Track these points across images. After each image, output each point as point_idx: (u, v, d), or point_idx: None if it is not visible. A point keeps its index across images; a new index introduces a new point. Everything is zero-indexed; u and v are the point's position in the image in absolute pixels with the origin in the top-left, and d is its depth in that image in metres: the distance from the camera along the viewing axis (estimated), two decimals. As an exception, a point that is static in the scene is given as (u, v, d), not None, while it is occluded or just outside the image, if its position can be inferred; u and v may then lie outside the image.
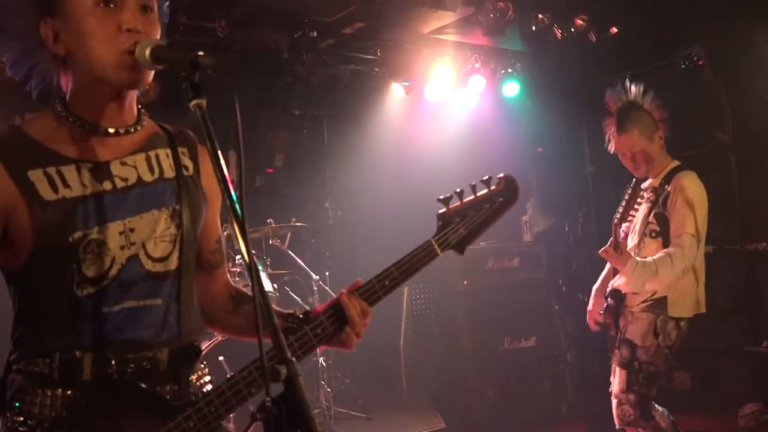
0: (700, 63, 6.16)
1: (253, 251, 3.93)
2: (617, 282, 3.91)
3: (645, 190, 4.03)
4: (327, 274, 6.22)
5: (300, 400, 1.24)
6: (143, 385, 1.65)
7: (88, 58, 1.62)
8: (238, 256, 5.21)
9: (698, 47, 6.16)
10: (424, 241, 1.94)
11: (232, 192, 1.37)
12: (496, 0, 5.29)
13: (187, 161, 1.82)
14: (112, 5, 1.62)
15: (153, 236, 1.70)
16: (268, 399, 1.24)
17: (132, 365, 1.65)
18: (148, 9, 1.66)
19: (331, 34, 5.87)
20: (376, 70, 6.76)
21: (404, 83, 6.82)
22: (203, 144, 1.84)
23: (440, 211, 1.99)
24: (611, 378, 4.05)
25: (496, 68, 6.88)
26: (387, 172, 6.98)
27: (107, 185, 1.67)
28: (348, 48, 6.34)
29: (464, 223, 1.98)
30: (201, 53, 1.43)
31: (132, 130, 1.73)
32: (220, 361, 4.68)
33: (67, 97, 1.70)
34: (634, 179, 4.05)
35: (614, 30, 5.91)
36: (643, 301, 3.88)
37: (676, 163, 4.01)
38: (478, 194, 2.01)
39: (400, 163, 7.01)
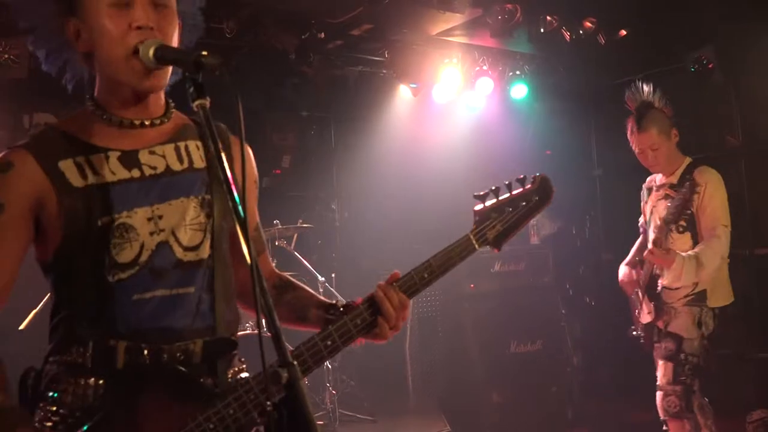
0: (710, 66, 6.13)
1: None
2: (666, 281, 3.96)
3: (661, 186, 4.15)
4: (333, 275, 6.21)
5: (301, 404, 1.22)
6: (182, 369, 1.66)
7: (102, 57, 1.68)
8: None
9: (708, 50, 6.12)
10: (461, 236, 1.97)
11: (234, 192, 1.36)
12: (504, 2, 5.27)
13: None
14: (125, 5, 1.64)
15: (183, 224, 1.72)
16: (268, 404, 1.22)
17: (165, 355, 1.65)
18: (160, 6, 1.68)
19: (339, 36, 5.87)
20: (384, 71, 6.75)
21: (412, 85, 6.81)
22: (235, 135, 1.87)
23: (477, 207, 2.02)
24: (657, 357, 4.13)
25: (504, 70, 6.87)
26: (394, 174, 6.96)
27: (135, 173, 1.70)
28: (355, 49, 6.33)
29: (501, 219, 2.01)
30: (205, 53, 1.43)
31: (158, 122, 1.77)
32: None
33: (96, 93, 1.75)
34: (646, 180, 4.20)
35: (623, 33, 5.88)
36: (685, 296, 3.98)
37: (689, 159, 4.13)
38: (514, 192, 2.05)
39: (407, 165, 6.99)
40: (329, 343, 1.74)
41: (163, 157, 1.75)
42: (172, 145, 1.77)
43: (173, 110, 1.82)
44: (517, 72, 6.90)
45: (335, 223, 7.32)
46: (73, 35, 1.70)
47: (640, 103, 4.13)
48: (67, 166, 1.65)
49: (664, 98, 4.14)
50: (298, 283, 2.03)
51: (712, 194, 3.91)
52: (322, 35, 5.58)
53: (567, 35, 5.67)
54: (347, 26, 5.67)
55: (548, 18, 5.57)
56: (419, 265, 1.91)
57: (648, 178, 4.44)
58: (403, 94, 7.11)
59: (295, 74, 6.43)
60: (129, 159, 1.71)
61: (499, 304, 6.11)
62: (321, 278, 5.82)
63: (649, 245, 3.93)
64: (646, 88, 4.15)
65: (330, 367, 5.73)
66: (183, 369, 1.65)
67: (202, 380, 1.68)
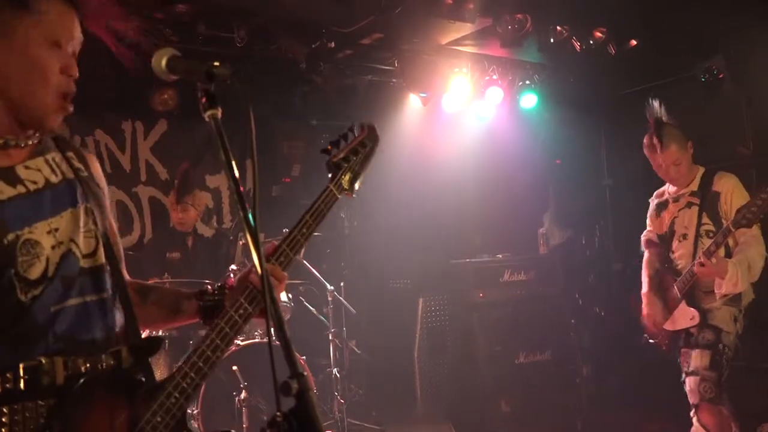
0: (721, 76, 6.12)
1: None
2: (724, 289, 4.00)
3: (680, 196, 4.26)
4: (342, 284, 6.20)
5: (311, 415, 1.22)
6: (118, 372, 1.70)
7: (17, 85, 1.65)
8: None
9: (719, 60, 6.11)
10: (324, 188, 2.18)
11: (246, 203, 1.37)
12: (514, 12, 5.28)
13: (77, 164, 1.86)
14: (57, 46, 1.67)
15: (78, 232, 1.73)
16: (278, 414, 1.22)
17: (101, 365, 1.68)
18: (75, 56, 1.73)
19: (349, 45, 5.88)
20: (394, 80, 6.76)
21: (421, 94, 6.81)
22: (83, 148, 1.94)
23: (327, 161, 2.23)
24: (685, 362, 4.18)
25: (514, 80, 6.86)
26: (403, 183, 6.96)
27: (21, 188, 1.68)
28: (365, 58, 6.34)
29: (350, 166, 2.24)
30: (216, 64, 1.44)
31: (30, 142, 1.75)
32: (233, 370, 4.66)
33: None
34: (654, 194, 4.34)
35: (633, 43, 5.87)
36: (724, 296, 4.05)
37: (702, 168, 4.25)
38: (351, 142, 2.28)
39: (417, 174, 6.99)
40: (219, 342, 1.79)
41: (39, 170, 1.74)
42: (41, 159, 1.77)
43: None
44: (527, 81, 6.89)
45: (344, 231, 7.32)
46: None
47: (656, 120, 4.24)
48: None
49: (672, 113, 4.26)
50: (157, 284, 2.09)
51: (739, 197, 4.04)
52: (333, 44, 5.59)
53: (577, 45, 5.66)
54: (357, 35, 5.68)
55: (558, 28, 5.56)
56: (296, 223, 2.07)
57: (656, 192, 4.49)
58: (412, 103, 7.11)
59: (305, 83, 6.45)
60: (9, 175, 1.68)
61: (508, 314, 6.10)
62: (330, 287, 5.82)
63: (699, 258, 3.97)
64: (656, 104, 4.26)
65: (338, 376, 5.72)
66: (119, 372, 1.70)
67: (138, 378, 1.73)
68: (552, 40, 5.59)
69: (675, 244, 4.25)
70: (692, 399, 4.07)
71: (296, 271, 5.92)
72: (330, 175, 2.22)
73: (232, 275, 5.24)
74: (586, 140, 7.44)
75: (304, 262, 5.85)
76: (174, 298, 2.01)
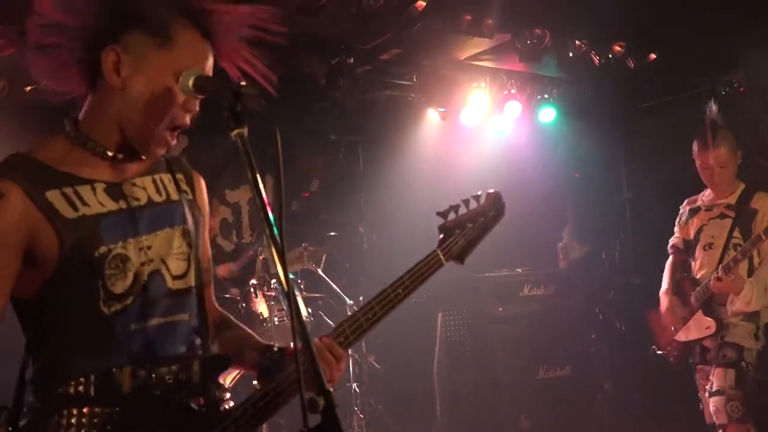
0: (741, 89, 6.09)
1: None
2: (736, 306, 4.02)
3: (714, 205, 4.25)
4: (361, 298, 6.21)
5: (337, 431, 1.23)
6: (177, 397, 1.70)
7: (136, 107, 1.67)
8: (273, 281, 5.24)
9: (739, 74, 6.09)
10: (430, 251, 2.09)
11: (271, 217, 1.39)
12: (533, 27, 5.29)
13: (185, 186, 1.89)
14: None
15: (171, 253, 1.76)
16: (304, 429, 1.24)
17: (169, 377, 1.69)
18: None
19: (368, 61, 5.92)
20: (412, 95, 6.79)
21: (440, 109, 6.84)
22: (197, 172, 1.96)
23: (440, 224, 2.17)
24: (702, 379, 4.19)
25: (532, 94, 6.87)
26: (422, 197, 6.96)
27: (122, 204, 1.71)
28: (384, 74, 6.37)
29: (464, 234, 2.17)
30: (244, 83, 1.46)
31: (139, 158, 1.78)
32: (253, 384, 4.68)
33: (81, 118, 1.73)
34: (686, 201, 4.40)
35: (653, 56, 5.86)
36: (735, 313, 4.05)
37: (743, 184, 4.25)
38: (471, 209, 2.21)
39: (436, 188, 7.00)
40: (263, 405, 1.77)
41: (144, 189, 1.78)
42: (149, 178, 1.80)
43: None
44: (546, 96, 6.90)
45: (363, 246, 7.34)
46: (110, 64, 1.65)
47: (711, 120, 4.24)
48: (55, 197, 1.63)
49: (726, 121, 4.28)
50: (237, 322, 2.06)
51: None
52: (352, 60, 5.63)
53: (596, 59, 5.66)
54: (377, 51, 5.72)
55: (577, 42, 5.57)
56: (393, 281, 1.98)
57: (688, 200, 4.46)
58: (431, 117, 7.14)
59: (324, 98, 6.49)
60: (114, 191, 1.72)
61: (528, 329, 6.07)
62: (349, 301, 5.84)
63: (718, 272, 3.98)
64: (714, 107, 4.27)
65: (358, 391, 5.72)
66: (178, 396, 1.70)
67: (193, 404, 1.73)
68: (571, 55, 5.59)
69: (698, 251, 4.24)
70: (719, 419, 4.02)
71: (315, 285, 5.94)
72: (440, 239, 2.14)
73: (252, 289, 5.28)
74: (605, 154, 7.42)
75: (324, 276, 5.88)
76: (240, 344, 1.98)
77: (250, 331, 2.05)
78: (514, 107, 6.66)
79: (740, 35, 5.71)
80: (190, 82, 1.59)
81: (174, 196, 1.83)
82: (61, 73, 1.71)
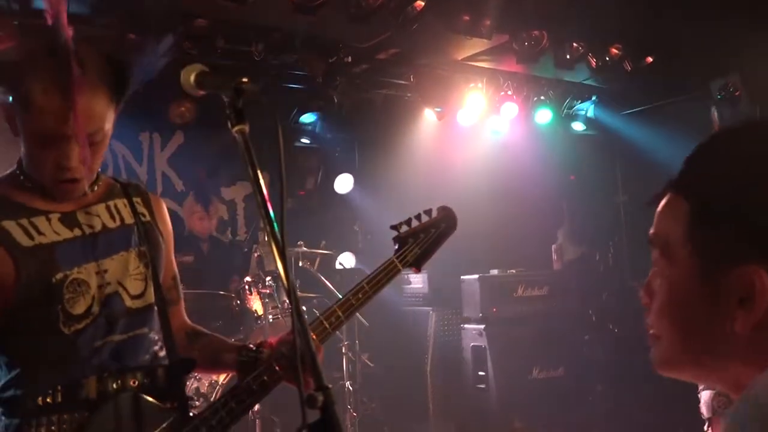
0: (737, 94, 6.11)
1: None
2: None
3: None
4: (355, 297, 6.20)
5: (336, 428, 1.23)
6: (147, 396, 1.75)
7: (33, 169, 1.75)
8: (268, 278, 5.23)
9: (735, 77, 6.11)
10: (386, 259, 2.20)
11: (271, 214, 1.39)
12: (531, 28, 5.30)
13: (142, 209, 1.95)
14: (50, 143, 1.70)
15: (128, 275, 1.82)
16: (304, 428, 1.23)
17: (134, 381, 1.76)
18: (93, 145, 1.74)
19: (366, 60, 5.92)
20: (409, 95, 6.79)
21: (437, 109, 6.84)
22: (153, 194, 2.02)
23: (395, 235, 2.29)
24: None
25: (529, 95, 6.88)
26: (417, 196, 6.97)
27: (77, 231, 1.78)
28: (382, 73, 6.37)
29: (418, 243, 2.27)
30: (245, 80, 1.45)
31: (87, 192, 1.84)
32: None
33: (24, 165, 1.79)
34: None
35: (649, 59, 5.88)
36: None
37: None
38: (424, 221, 2.32)
39: (431, 188, 7.00)
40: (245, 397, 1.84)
41: (98, 216, 1.85)
42: (103, 205, 1.87)
43: (101, 176, 1.90)
44: (542, 97, 6.91)
45: (358, 245, 7.34)
46: (9, 119, 1.73)
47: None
48: (11, 226, 1.70)
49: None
50: (209, 332, 2.11)
51: None
52: (349, 59, 5.63)
53: (593, 62, 5.68)
54: (374, 51, 5.72)
55: (574, 44, 5.58)
56: (353, 287, 2.08)
57: None
58: (427, 117, 7.14)
59: (321, 97, 6.48)
60: (68, 219, 1.79)
61: (522, 329, 6.08)
62: (343, 300, 5.83)
63: None
64: (715, 114, 4.23)
65: (351, 389, 5.72)
66: (148, 396, 1.76)
67: (169, 403, 1.80)
68: (568, 57, 5.61)
69: None
70: (706, 413, 4.05)
71: (310, 284, 5.94)
72: (395, 248, 2.26)
73: (246, 286, 5.27)
74: (601, 157, 7.44)
75: (318, 275, 5.87)
76: (217, 348, 2.04)
77: (223, 338, 2.11)
78: (511, 108, 6.68)
79: (737, 39, 5.73)
80: (192, 78, 1.58)
81: (128, 220, 1.89)
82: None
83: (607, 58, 5.74)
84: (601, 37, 5.73)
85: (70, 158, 1.72)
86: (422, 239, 2.27)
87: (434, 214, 2.34)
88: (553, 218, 7.68)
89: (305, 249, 5.74)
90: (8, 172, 1.83)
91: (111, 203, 1.89)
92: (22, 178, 1.79)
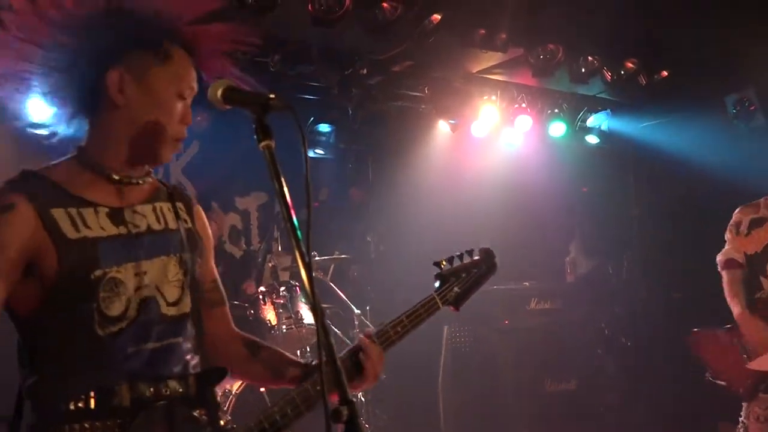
0: (752, 108, 6.10)
1: (296, 283, 3.96)
2: None
3: None
4: (368, 308, 6.22)
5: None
6: (179, 405, 1.76)
7: (145, 122, 1.77)
8: (282, 288, 5.25)
9: (750, 92, 6.10)
10: (427, 295, 2.27)
11: (297, 227, 1.44)
12: (546, 42, 5.32)
13: (184, 215, 1.96)
14: (182, 97, 1.81)
15: (166, 281, 1.81)
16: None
17: (166, 390, 1.75)
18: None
19: (381, 71, 5.95)
20: (423, 107, 6.82)
21: (451, 121, 6.86)
22: (195, 202, 2.05)
23: (437, 272, 2.33)
24: (758, 408, 3.80)
25: (543, 108, 6.90)
26: (430, 208, 6.99)
27: (122, 229, 1.78)
28: (397, 85, 6.40)
29: (459, 282, 2.33)
30: (272, 96, 1.48)
31: (140, 182, 1.86)
32: (261, 392, 4.69)
33: (85, 144, 1.82)
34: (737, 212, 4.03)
35: (664, 74, 5.89)
36: None
37: None
38: (465, 261, 2.39)
39: (444, 199, 7.02)
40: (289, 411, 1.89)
41: (144, 216, 1.84)
42: (150, 206, 1.87)
43: (151, 173, 1.94)
44: (556, 110, 6.92)
45: (371, 255, 7.35)
46: (115, 85, 1.74)
47: None
48: (60, 215, 1.70)
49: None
50: (267, 344, 2.13)
51: None
52: (365, 71, 5.67)
53: (608, 75, 5.70)
54: (389, 62, 5.76)
55: (590, 58, 5.60)
56: (392, 319, 2.14)
57: (743, 207, 4.05)
58: (441, 129, 7.16)
59: (336, 108, 6.52)
60: (116, 216, 1.78)
61: (534, 341, 6.07)
62: (357, 311, 5.84)
63: None
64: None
65: (363, 400, 5.72)
66: (179, 405, 1.76)
67: (196, 414, 1.79)
68: (583, 71, 5.62)
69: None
70: None
71: (323, 294, 5.95)
72: (437, 285, 2.31)
73: (260, 296, 5.29)
74: (614, 170, 7.43)
75: (331, 284, 5.89)
76: (280, 362, 2.06)
77: (281, 350, 2.12)
78: (525, 121, 6.69)
79: (753, 53, 5.74)
80: (219, 93, 1.61)
81: (172, 225, 1.89)
82: (62, 94, 1.79)
83: (622, 72, 5.75)
84: (616, 51, 5.75)
85: (191, 115, 1.84)
86: (463, 279, 2.33)
87: (475, 255, 2.40)
88: (566, 231, 7.68)
89: (318, 258, 5.75)
90: (66, 158, 1.83)
91: (158, 205, 1.90)
92: (81, 164, 1.80)
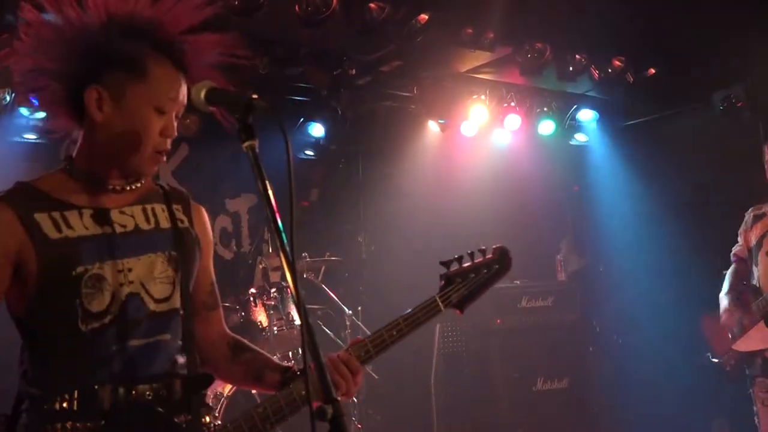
0: (739, 105, 6.12)
1: (287, 284, 3.96)
2: None
3: None
4: (360, 308, 6.22)
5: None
6: (160, 410, 1.75)
7: (123, 138, 1.78)
8: (272, 290, 5.24)
9: (737, 89, 6.13)
10: (428, 297, 2.14)
11: (281, 226, 1.42)
12: (534, 40, 5.34)
13: (181, 215, 1.96)
14: (161, 113, 1.80)
15: (152, 278, 1.81)
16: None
17: (149, 393, 1.74)
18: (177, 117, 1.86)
19: (370, 72, 5.95)
20: (413, 107, 6.82)
21: (440, 121, 6.86)
22: (194, 202, 2.04)
23: (443, 272, 2.21)
24: (761, 392, 3.99)
25: (532, 107, 6.91)
26: (421, 208, 6.99)
27: (107, 229, 1.80)
28: (385, 85, 6.41)
29: (465, 284, 2.20)
30: (255, 96, 1.48)
31: (131, 187, 1.87)
32: (253, 394, 4.68)
33: (76, 154, 1.85)
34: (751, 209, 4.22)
35: (652, 71, 5.91)
36: None
37: None
38: (476, 260, 2.24)
39: (435, 199, 7.03)
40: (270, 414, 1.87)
41: (132, 217, 1.86)
42: (140, 207, 1.89)
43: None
44: (545, 108, 6.94)
45: (362, 256, 7.35)
46: (93, 101, 1.77)
47: None
48: (42, 218, 1.74)
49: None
50: (254, 347, 2.12)
51: None
52: (353, 71, 5.67)
53: (596, 73, 5.71)
54: (378, 63, 5.76)
55: (577, 56, 5.62)
56: (389, 323, 2.06)
57: (755, 206, 4.26)
58: (431, 129, 7.16)
59: (325, 108, 6.51)
60: (101, 217, 1.81)
61: (526, 340, 6.08)
62: (348, 311, 5.84)
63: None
64: None
65: (356, 400, 5.72)
66: (161, 410, 1.75)
67: (180, 421, 1.78)
68: (571, 69, 5.64)
69: (761, 258, 4.02)
70: None
71: (314, 295, 5.95)
72: (440, 285, 2.20)
73: (251, 298, 5.29)
74: (605, 168, 7.45)
75: (323, 286, 5.88)
76: (261, 366, 2.04)
77: (267, 354, 2.11)
78: (514, 120, 6.70)
79: (739, 51, 5.77)
80: (202, 95, 1.61)
81: (164, 224, 1.90)
82: (51, 111, 1.87)
83: (610, 70, 5.77)
84: (603, 49, 5.76)
85: (174, 129, 1.83)
86: (471, 279, 2.21)
87: (488, 253, 2.26)
88: (557, 229, 7.69)
89: (309, 260, 5.75)
90: (57, 168, 1.87)
91: (149, 206, 1.91)
92: (70, 173, 1.83)
